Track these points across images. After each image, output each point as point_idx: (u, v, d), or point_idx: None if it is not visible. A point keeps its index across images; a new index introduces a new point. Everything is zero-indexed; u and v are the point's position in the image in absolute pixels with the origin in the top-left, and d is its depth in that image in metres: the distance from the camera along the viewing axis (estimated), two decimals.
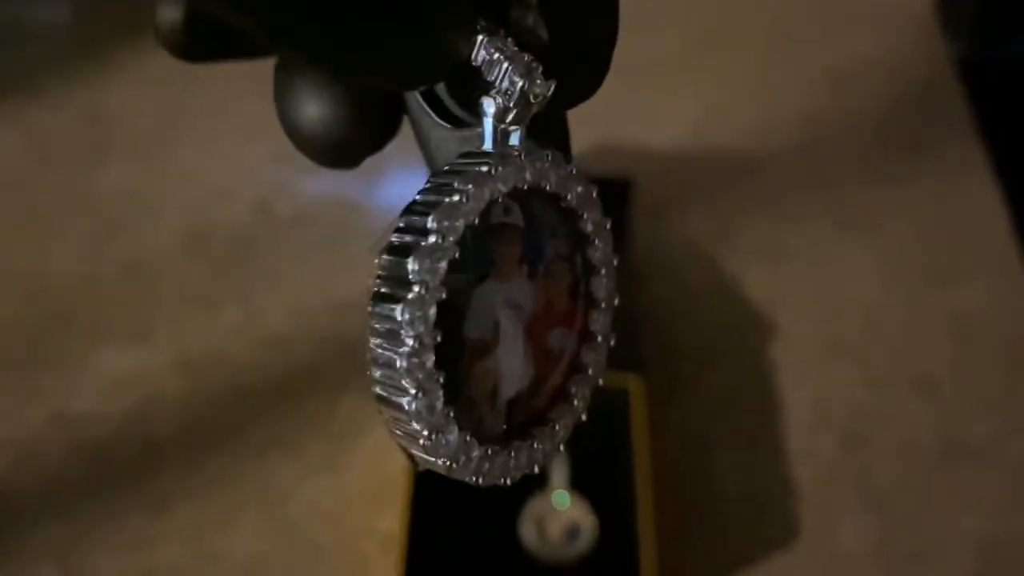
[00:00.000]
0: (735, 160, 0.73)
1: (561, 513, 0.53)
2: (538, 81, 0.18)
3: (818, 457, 0.59)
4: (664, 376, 0.61)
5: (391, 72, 0.17)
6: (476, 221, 0.18)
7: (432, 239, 0.17)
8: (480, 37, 0.18)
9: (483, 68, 0.18)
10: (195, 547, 0.54)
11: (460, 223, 0.18)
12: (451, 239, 0.18)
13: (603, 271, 0.20)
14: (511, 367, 0.20)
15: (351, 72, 0.17)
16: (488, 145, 0.18)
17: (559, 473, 0.54)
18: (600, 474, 0.54)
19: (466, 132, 0.19)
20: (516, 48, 0.18)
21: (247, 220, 0.67)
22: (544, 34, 0.18)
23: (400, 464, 0.55)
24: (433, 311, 0.17)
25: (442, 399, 0.18)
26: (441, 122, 0.20)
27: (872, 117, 0.76)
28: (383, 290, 0.18)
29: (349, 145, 0.20)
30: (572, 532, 0.52)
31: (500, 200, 0.18)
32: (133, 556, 0.54)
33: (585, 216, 0.19)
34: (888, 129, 0.75)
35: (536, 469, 0.21)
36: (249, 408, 0.59)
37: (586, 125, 0.76)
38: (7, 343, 0.62)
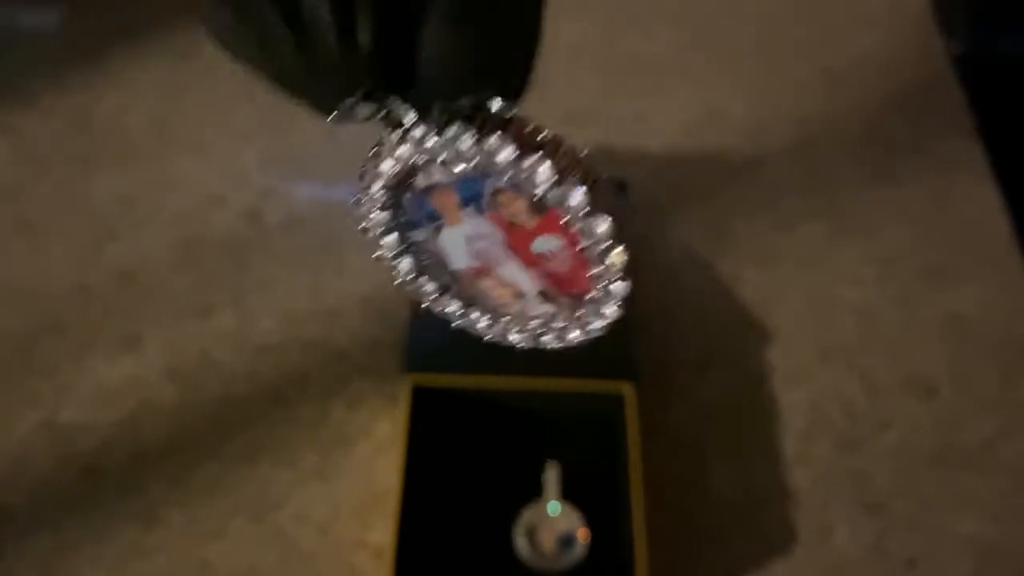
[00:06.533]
0: (730, 161, 0.72)
1: (554, 523, 0.52)
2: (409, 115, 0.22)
3: (814, 461, 0.58)
4: (659, 380, 0.60)
5: (304, 99, 0.21)
6: (400, 177, 0.23)
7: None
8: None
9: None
10: (185, 557, 0.54)
11: (385, 167, 0.22)
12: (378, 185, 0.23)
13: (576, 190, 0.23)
14: (515, 275, 0.25)
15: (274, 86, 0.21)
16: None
17: (552, 483, 0.53)
18: (593, 482, 0.54)
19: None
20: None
21: (238, 227, 0.67)
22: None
23: (391, 474, 0.54)
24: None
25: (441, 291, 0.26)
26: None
27: (868, 116, 0.75)
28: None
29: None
30: (565, 541, 0.52)
31: (423, 166, 0.22)
32: (123, 567, 0.53)
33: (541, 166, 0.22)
34: (884, 128, 0.74)
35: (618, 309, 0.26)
36: (240, 416, 0.58)
37: (581, 127, 0.76)
38: None
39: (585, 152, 0.23)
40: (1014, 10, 0.82)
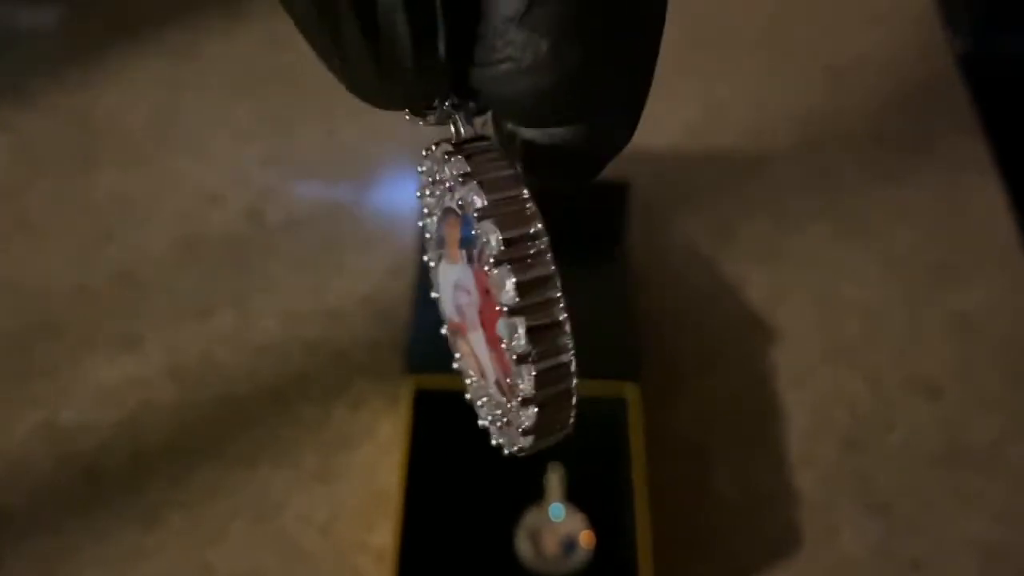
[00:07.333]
0: (733, 161, 0.72)
1: (557, 526, 0.52)
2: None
3: (818, 462, 0.58)
4: (663, 380, 0.60)
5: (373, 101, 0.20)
6: (440, 193, 0.20)
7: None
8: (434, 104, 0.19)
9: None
10: (186, 559, 0.53)
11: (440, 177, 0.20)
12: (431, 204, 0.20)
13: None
14: (481, 349, 0.20)
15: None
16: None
17: (555, 485, 0.53)
18: (597, 485, 0.54)
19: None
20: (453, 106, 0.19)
21: (238, 227, 0.66)
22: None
23: (393, 475, 0.54)
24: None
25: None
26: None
27: (872, 115, 0.75)
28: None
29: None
30: (568, 545, 0.51)
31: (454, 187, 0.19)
32: (124, 568, 0.53)
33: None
34: (889, 127, 0.74)
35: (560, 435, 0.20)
36: (240, 417, 0.58)
37: None
38: None
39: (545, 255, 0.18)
40: (1018, 8, 0.81)
